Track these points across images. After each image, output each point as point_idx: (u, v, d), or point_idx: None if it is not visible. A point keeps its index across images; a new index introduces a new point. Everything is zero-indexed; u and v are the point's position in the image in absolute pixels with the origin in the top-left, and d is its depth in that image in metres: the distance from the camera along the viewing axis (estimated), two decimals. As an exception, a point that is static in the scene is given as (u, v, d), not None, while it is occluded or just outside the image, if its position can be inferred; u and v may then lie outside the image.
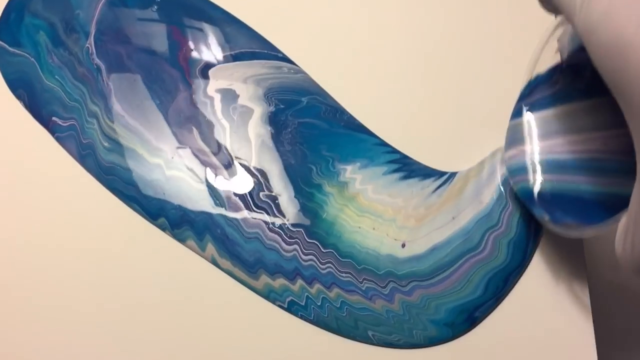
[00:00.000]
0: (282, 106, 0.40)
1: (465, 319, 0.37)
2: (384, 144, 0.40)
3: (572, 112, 0.32)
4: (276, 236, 0.37)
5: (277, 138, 0.39)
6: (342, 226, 0.38)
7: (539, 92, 0.34)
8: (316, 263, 0.37)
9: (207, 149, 0.39)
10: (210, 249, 0.37)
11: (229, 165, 0.38)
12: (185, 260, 0.37)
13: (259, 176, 0.38)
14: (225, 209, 0.37)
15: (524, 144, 0.34)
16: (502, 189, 0.38)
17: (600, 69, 0.22)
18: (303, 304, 0.36)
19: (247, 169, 0.38)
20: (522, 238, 0.37)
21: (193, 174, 0.38)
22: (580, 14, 0.23)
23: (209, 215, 0.37)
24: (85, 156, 0.38)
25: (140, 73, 0.40)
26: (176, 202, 0.38)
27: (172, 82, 0.40)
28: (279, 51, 0.41)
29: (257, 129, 0.39)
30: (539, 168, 0.33)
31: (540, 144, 0.33)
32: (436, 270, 0.37)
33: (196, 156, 0.38)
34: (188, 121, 0.39)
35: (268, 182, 0.38)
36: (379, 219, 0.38)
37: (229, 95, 0.40)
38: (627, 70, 0.21)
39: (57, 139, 0.39)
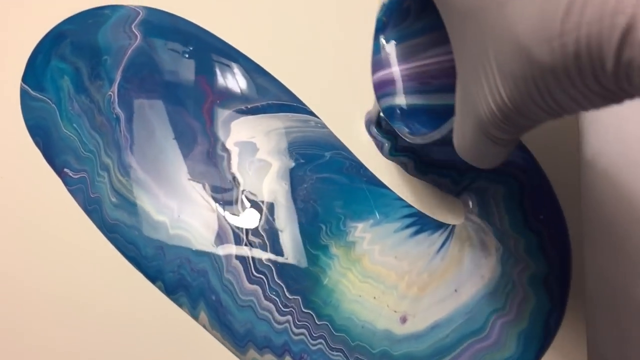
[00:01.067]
0: (302, 161, 0.39)
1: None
2: (401, 198, 0.39)
3: (419, 44, 0.37)
4: (270, 305, 0.37)
5: (291, 195, 0.39)
6: (342, 294, 0.37)
7: (392, 24, 0.37)
8: (307, 338, 0.36)
9: (216, 205, 0.38)
10: (203, 317, 0.37)
11: (236, 222, 0.38)
12: (182, 319, 0.37)
13: (266, 237, 0.38)
14: (224, 273, 0.37)
15: (384, 73, 0.37)
16: (502, 267, 0.37)
17: None
18: (288, 386, 0.36)
19: (255, 228, 0.38)
20: (537, 332, 0.36)
21: (198, 232, 0.38)
22: None
23: (206, 279, 0.37)
24: (92, 211, 0.39)
25: (159, 124, 0.40)
26: (175, 264, 0.38)
27: (191, 134, 0.40)
28: (306, 105, 0.41)
29: (271, 184, 0.39)
30: (398, 91, 0.37)
31: (397, 72, 0.37)
32: (436, 353, 0.36)
33: (204, 212, 0.38)
34: (202, 176, 0.39)
35: (275, 242, 0.38)
36: (381, 285, 0.37)
37: (248, 149, 0.40)
38: None
39: (68, 191, 0.39)
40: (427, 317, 0.36)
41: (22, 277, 0.38)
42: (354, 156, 0.40)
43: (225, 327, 0.37)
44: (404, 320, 0.36)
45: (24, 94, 0.41)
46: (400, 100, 0.37)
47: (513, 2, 0.20)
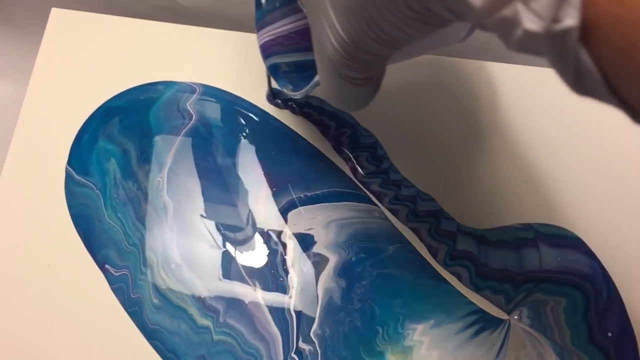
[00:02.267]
0: (362, 255, 0.37)
1: None
2: (463, 295, 0.37)
3: (297, 5, 0.38)
4: None
5: (347, 294, 0.36)
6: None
7: None
8: None
9: (266, 307, 0.35)
10: None
11: (286, 327, 0.35)
12: None
13: (317, 343, 0.35)
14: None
15: (268, 35, 0.38)
16: None
17: None
18: None
19: (307, 333, 0.35)
20: None
21: (243, 338, 0.35)
22: None
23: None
24: (132, 313, 0.35)
25: (210, 214, 0.37)
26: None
27: (243, 227, 0.37)
28: (368, 193, 0.38)
29: (327, 282, 0.36)
30: (281, 50, 0.38)
31: (279, 32, 0.38)
32: None
33: (253, 315, 0.35)
34: (253, 274, 0.36)
35: (326, 350, 0.35)
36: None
37: (305, 242, 0.37)
38: None
39: (110, 289, 0.36)
40: None
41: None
42: (418, 250, 0.37)
43: None
44: None
45: (68, 178, 0.38)
46: (284, 58, 0.38)
47: None
